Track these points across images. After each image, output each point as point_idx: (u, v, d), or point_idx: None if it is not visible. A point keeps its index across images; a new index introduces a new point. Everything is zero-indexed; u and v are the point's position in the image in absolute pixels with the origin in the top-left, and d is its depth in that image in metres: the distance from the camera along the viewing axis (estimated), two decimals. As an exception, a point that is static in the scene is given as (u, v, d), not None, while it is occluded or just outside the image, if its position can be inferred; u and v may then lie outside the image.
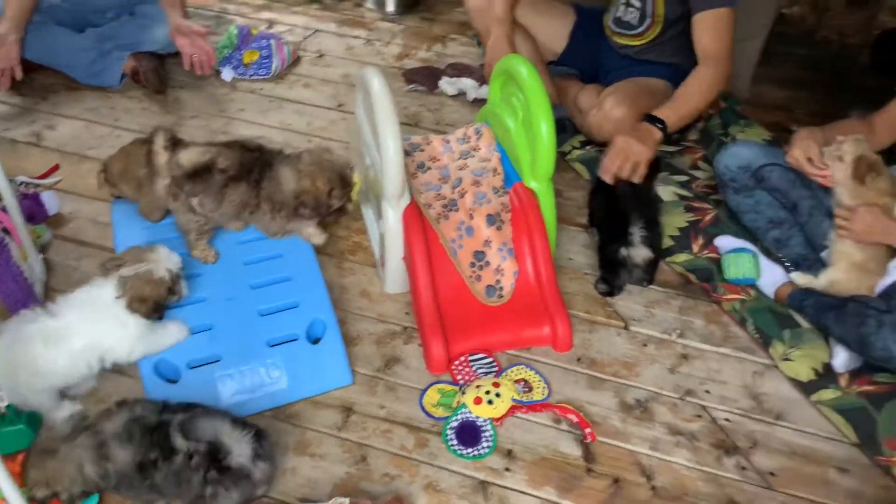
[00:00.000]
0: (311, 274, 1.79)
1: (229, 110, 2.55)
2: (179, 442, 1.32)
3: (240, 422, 1.39)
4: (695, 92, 2.04)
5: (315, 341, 1.69)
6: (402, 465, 1.54)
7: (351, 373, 1.69)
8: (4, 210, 1.72)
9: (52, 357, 1.47)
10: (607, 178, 1.97)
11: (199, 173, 1.73)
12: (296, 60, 2.81)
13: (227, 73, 2.68)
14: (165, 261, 1.57)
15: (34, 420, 1.49)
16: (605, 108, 2.19)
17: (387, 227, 1.82)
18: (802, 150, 1.80)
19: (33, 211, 1.99)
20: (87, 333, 1.50)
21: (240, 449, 1.34)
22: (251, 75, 2.70)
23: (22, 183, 2.12)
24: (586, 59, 2.53)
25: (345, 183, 1.78)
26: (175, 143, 1.78)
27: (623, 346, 1.82)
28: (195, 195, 1.72)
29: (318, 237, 1.87)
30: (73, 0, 2.61)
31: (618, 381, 1.74)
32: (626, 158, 1.94)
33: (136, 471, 1.31)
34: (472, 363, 1.74)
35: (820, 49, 3.20)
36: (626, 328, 1.87)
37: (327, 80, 2.72)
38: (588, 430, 1.61)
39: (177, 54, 2.70)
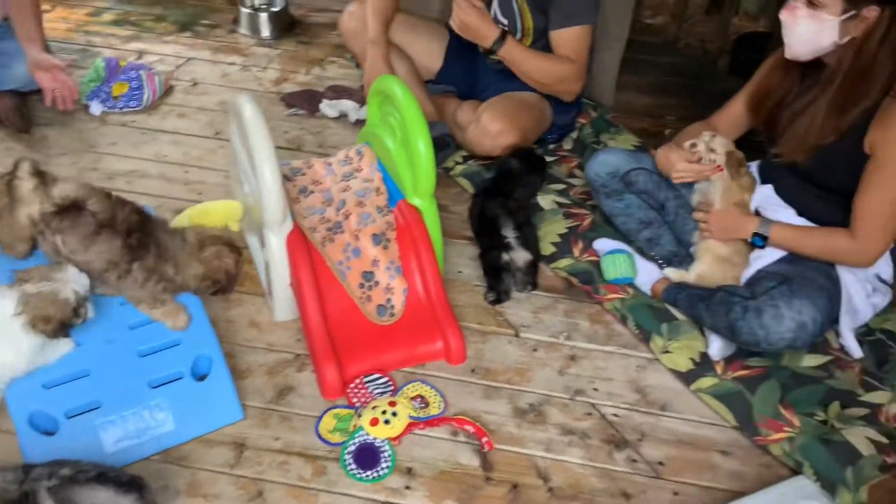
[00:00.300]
0: (192, 309, 1.73)
1: (100, 145, 2.45)
2: None
3: (121, 482, 1.29)
4: (545, 62, 2.24)
5: (201, 378, 1.64)
6: (300, 496, 1.51)
7: (241, 407, 1.65)
8: None
9: None
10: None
11: (69, 210, 1.62)
12: (168, 90, 2.73)
13: (96, 107, 2.58)
14: (73, 281, 1.52)
15: None
16: (483, 123, 2.25)
17: (271, 254, 1.79)
18: (673, 161, 1.89)
19: None
20: None
21: None
22: (122, 108, 2.60)
23: None
24: (462, 77, 2.59)
25: (239, 252, 1.75)
26: (41, 174, 1.68)
27: (515, 353, 1.86)
28: (61, 232, 1.61)
29: (181, 321, 1.73)
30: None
31: (511, 387, 1.77)
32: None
33: None
34: (367, 385, 1.73)
35: (683, 56, 3.39)
36: (516, 335, 1.91)
37: (203, 109, 2.66)
38: (485, 440, 1.63)
39: (39, 91, 2.58)
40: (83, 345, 1.62)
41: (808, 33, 1.62)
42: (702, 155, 1.85)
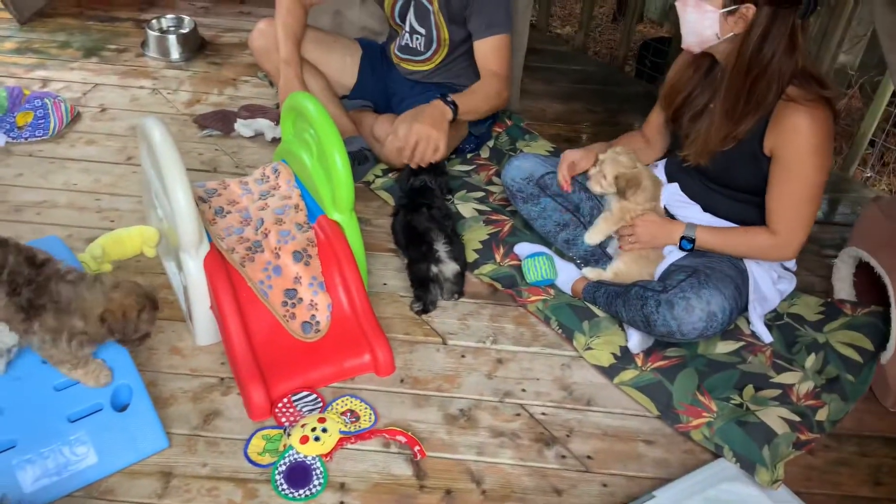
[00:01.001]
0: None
1: (5, 177, 2.36)
2: None
3: None
4: (482, 97, 2.21)
5: (122, 408, 1.60)
6: (231, 521, 1.49)
7: (166, 435, 1.61)
8: None
9: None
10: (404, 161, 2.07)
11: None
12: (76, 118, 2.66)
13: (0, 138, 2.49)
14: None
15: None
16: (400, 134, 2.26)
17: (189, 277, 1.76)
18: (562, 168, 1.98)
19: None
20: None
21: None
22: (27, 137, 2.52)
23: None
24: (377, 90, 2.61)
25: (154, 305, 1.58)
26: None
27: (443, 361, 1.88)
28: None
29: (104, 378, 1.61)
30: None
31: (441, 395, 1.79)
32: (426, 143, 2.04)
33: None
34: (295, 403, 1.72)
35: (592, 63, 3.50)
36: (443, 343, 1.93)
37: (113, 135, 2.60)
38: (417, 448, 1.64)
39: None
40: (-7, 383, 1.56)
41: (692, 23, 1.68)
42: (595, 181, 1.92)
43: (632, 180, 1.88)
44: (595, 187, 1.92)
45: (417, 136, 2.04)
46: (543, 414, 1.76)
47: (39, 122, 2.54)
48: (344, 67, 2.58)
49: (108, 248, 2.01)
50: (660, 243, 1.91)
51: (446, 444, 1.67)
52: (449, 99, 2.11)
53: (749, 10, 1.60)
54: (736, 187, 1.79)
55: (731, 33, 1.65)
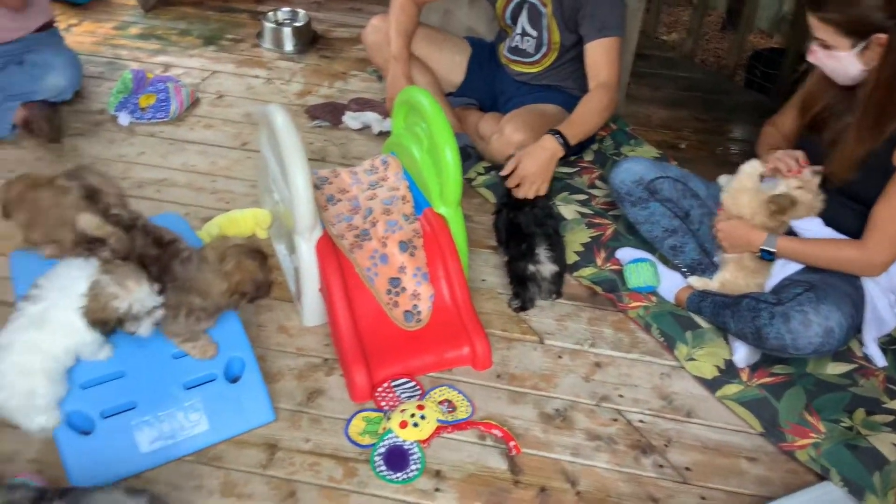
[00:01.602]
0: (224, 313, 1.76)
1: (129, 155, 2.50)
2: None
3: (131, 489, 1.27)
4: (592, 113, 2.15)
5: (234, 380, 1.67)
6: (332, 497, 1.53)
7: (273, 409, 1.67)
8: None
9: (46, 340, 1.47)
10: (512, 186, 2.06)
11: (92, 243, 1.60)
12: (195, 102, 2.79)
13: (124, 118, 2.63)
14: (137, 298, 1.48)
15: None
16: (506, 133, 2.28)
17: (301, 260, 1.82)
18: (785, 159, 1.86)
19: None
20: (63, 316, 1.48)
21: None
22: (149, 119, 2.66)
23: None
24: (484, 89, 2.63)
25: (263, 255, 1.68)
26: (94, 193, 1.68)
27: (539, 360, 1.88)
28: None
29: (210, 352, 1.69)
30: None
31: (537, 393, 1.79)
32: (529, 186, 2.03)
33: None
34: (395, 388, 1.76)
35: (699, 71, 3.43)
36: (541, 342, 1.93)
37: (229, 120, 2.71)
38: (512, 444, 1.65)
39: (71, 101, 2.65)
40: (118, 347, 1.64)
41: (834, 70, 1.70)
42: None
43: (792, 205, 1.82)
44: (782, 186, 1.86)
45: (524, 174, 2.04)
46: (641, 421, 1.74)
47: (161, 104, 2.67)
48: (452, 65, 2.62)
49: (223, 227, 2.10)
50: (737, 249, 1.88)
51: (541, 442, 1.68)
52: (560, 135, 2.08)
53: (880, 38, 1.59)
54: (862, 200, 1.73)
55: (874, 62, 1.63)
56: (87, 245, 1.59)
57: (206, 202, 2.31)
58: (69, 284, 1.50)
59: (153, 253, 1.61)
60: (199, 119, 2.72)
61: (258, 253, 1.67)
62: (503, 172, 2.08)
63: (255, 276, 1.63)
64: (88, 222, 1.61)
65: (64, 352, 1.51)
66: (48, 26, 2.65)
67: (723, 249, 1.92)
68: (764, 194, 1.84)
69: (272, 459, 1.59)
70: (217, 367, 1.66)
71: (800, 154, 1.83)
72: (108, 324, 1.49)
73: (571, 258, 2.14)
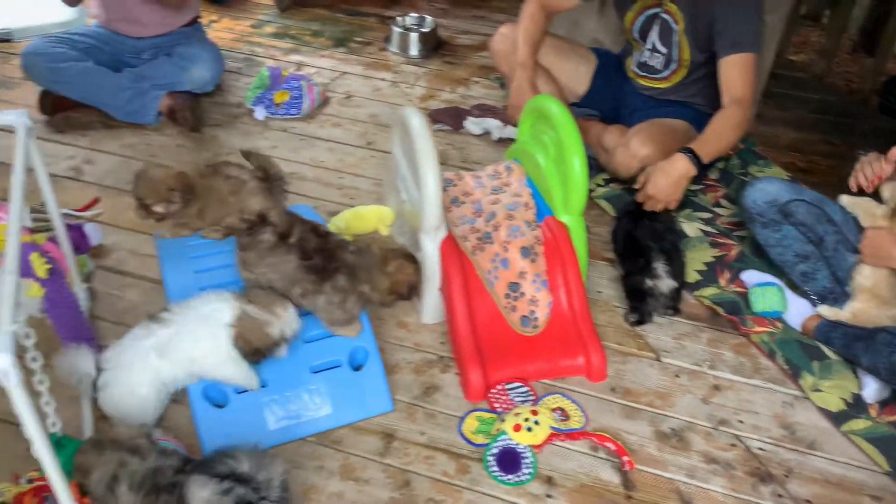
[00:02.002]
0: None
1: (262, 148, 2.62)
2: (198, 500, 1.25)
3: None
4: (725, 130, 2.10)
5: (357, 368, 1.73)
6: (444, 491, 1.57)
7: (391, 400, 1.72)
8: (53, 240, 1.77)
9: (165, 367, 1.55)
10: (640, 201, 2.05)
11: (255, 225, 1.70)
12: (325, 101, 2.90)
13: (260, 112, 2.77)
14: (286, 323, 1.59)
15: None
16: (632, 146, 2.26)
17: (425, 258, 1.87)
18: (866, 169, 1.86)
19: (77, 242, 2.04)
20: (192, 346, 1.56)
21: None
22: (282, 114, 2.78)
23: (65, 215, 2.18)
24: (608, 101, 2.62)
25: (416, 261, 1.82)
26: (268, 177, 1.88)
27: (656, 377, 1.86)
28: (243, 249, 1.72)
29: (356, 330, 1.79)
30: (112, 41, 2.72)
31: (653, 410, 1.77)
32: (657, 202, 2.02)
33: None
34: (508, 391, 1.77)
35: (831, 93, 3.30)
36: (657, 359, 1.91)
37: (356, 120, 2.80)
38: (626, 459, 1.64)
39: (211, 94, 2.80)
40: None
41: None
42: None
43: None
44: (885, 192, 1.83)
45: (654, 192, 2.03)
46: (761, 449, 1.69)
47: (294, 101, 2.79)
48: (577, 76, 2.62)
49: (350, 222, 2.18)
50: (880, 262, 1.80)
51: (656, 460, 1.66)
52: (692, 153, 2.04)
53: None
54: None
55: None
56: (251, 227, 1.69)
57: (332, 197, 2.40)
58: (210, 314, 1.57)
59: (314, 242, 1.71)
60: (329, 117, 2.82)
61: (413, 258, 1.79)
62: (636, 186, 2.07)
63: (412, 280, 1.76)
64: (253, 202, 1.78)
65: (182, 378, 1.59)
66: (194, 21, 2.82)
67: (861, 259, 1.84)
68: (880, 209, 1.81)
69: (389, 448, 1.64)
70: (342, 354, 1.73)
71: (872, 155, 1.78)
72: (261, 351, 1.57)
73: (692, 277, 2.10)
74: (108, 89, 2.62)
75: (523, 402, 1.75)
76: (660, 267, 1.96)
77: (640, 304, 1.99)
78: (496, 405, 1.74)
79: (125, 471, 1.27)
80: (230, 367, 1.58)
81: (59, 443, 1.47)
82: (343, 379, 1.70)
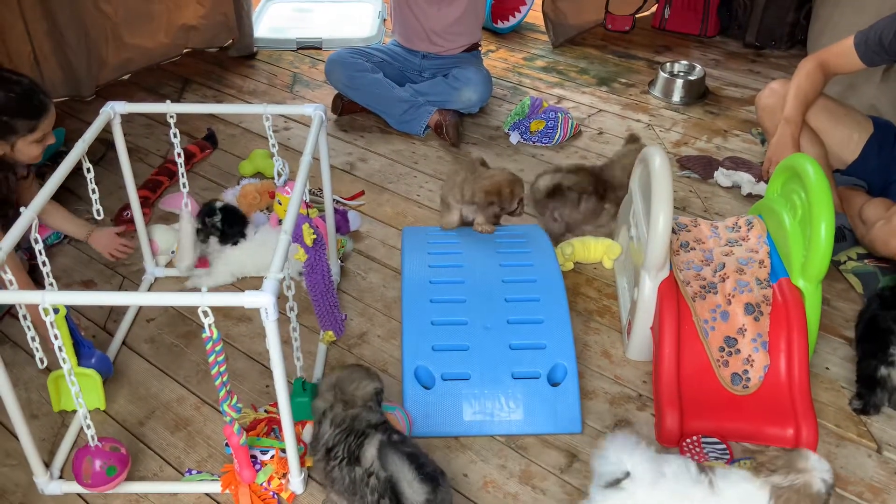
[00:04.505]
0: (561, 321, 1.89)
1: (511, 169, 2.79)
2: (368, 456, 1.42)
3: (424, 471, 1.40)
4: None
5: (554, 384, 1.80)
6: (616, 521, 1.58)
7: (582, 423, 1.77)
8: (322, 218, 2.07)
9: None
10: None
11: (554, 192, 2.34)
12: (577, 134, 3.02)
13: (514, 137, 2.96)
14: (818, 470, 1.38)
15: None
16: (894, 223, 2.09)
17: (641, 295, 1.89)
18: None
19: (340, 224, 2.36)
20: None
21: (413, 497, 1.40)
22: (535, 141, 2.94)
23: (335, 200, 2.52)
24: (878, 172, 2.44)
25: (520, 182, 2.16)
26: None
27: (872, 469, 1.70)
28: (555, 209, 2.33)
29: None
30: (401, 59, 3.08)
31: (860, 501, 1.63)
32: None
33: (325, 453, 1.48)
34: (704, 444, 1.73)
35: None
36: (878, 451, 1.75)
37: (602, 155, 2.88)
38: (818, 543, 1.52)
39: (475, 115, 3.05)
40: (468, 325, 1.87)
41: None
42: None
43: None
44: None
45: None
46: None
47: (548, 131, 2.95)
48: (848, 142, 2.47)
49: (577, 248, 2.26)
50: None
51: (854, 554, 1.53)
52: None
53: None
54: None
55: None
56: (550, 198, 2.35)
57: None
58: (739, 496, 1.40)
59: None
60: (577, 150, 2.93)
61: (517, 179, 2.15)
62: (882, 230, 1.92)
63: (503, 191, 2.11)
64: (544, 179, 2.39)
65: None
66: (475, 47, 3.10)
67: None
68: None
69: (570, 467, 1.69)
70: (543, 367, 1.81)
71: None
72: None
73: (942, 375, 1.88)
74: (390, 100, 2.98)
75: (717, 458, 1.70)
76: (897, 354, 1.80)
77: (868, 392, 1.84)
78: (687, 454, 1.71)
79: (331, 412, 1.51)
80: None
81: (302, 386, 1.72)
82: (540, 391, 1.78)
